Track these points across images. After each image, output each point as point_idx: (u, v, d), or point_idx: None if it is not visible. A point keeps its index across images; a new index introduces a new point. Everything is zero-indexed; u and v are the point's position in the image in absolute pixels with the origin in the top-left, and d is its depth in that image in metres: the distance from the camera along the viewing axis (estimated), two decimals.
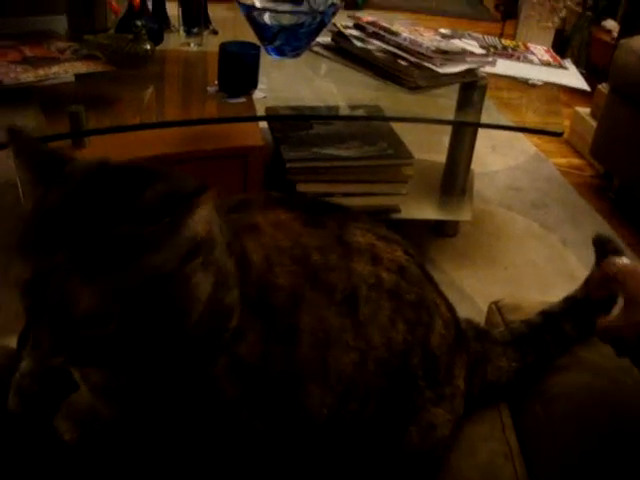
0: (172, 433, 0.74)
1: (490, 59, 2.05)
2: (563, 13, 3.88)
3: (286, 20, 1.93)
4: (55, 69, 1.76)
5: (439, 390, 0.83)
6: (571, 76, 2.22)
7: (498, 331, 1.00)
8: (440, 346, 0.82)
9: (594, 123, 2.84)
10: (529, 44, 2.41)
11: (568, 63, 2.29)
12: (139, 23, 1.80)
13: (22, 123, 1.71)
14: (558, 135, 2.04)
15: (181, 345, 0.64)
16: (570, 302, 0.99)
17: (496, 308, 1.10)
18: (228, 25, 2.30)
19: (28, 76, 1.71)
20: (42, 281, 0.57)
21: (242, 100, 1.80)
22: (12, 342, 0.98)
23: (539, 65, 2.23)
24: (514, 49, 2.31)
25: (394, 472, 0.84)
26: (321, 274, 0.74)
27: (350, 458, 0.80)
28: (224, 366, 0.69)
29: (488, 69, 2.04)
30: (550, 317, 0.99)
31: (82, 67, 1.79)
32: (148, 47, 1.80)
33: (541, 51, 2.34)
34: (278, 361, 0.72)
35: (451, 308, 0.88)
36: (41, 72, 1.74)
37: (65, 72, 1.75)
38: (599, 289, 0.94)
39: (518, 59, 2.24)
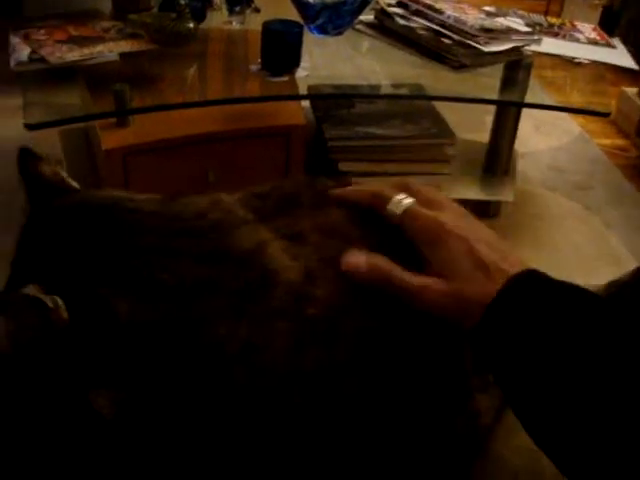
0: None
1: (535, 37, 2.02)
2: None
3: None
4: (100, 48, 1.78)
5: (485, 377, 0.83)
6: (619, 55, 2.17)
7: None
8: None
9: None
10: (576, 22, 2.36)
11: (616, 41, 2.25)
12: (182, 2, 1.80)
13: (67, 101, 1.73)
14: (605, 115, 2.01)
15: None
16: (615, 286, 0.98)
17: None
18: (270, 3, 2.30)
19: (74, 55, 1.73)
20: None
21: (284, 79, 1.79)
22: None
23: (586, 43, 2.20)
24: (560, 27, 2.27)
25: (435, 456, 0.84)
26: None
27: (389, 445, 0.81)
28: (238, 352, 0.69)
29: (533, 47, 2.01)
30: None
31: (126, 46, 1.80)
32: (191, 26, 1.81)
33: (588, 29, 2.30)
34: (309, 363, 0.72)
35: None
36: (86, 51, 1.75)
37: (109, 51, 1.77)
38: None
39: (564, 37, 2.20)
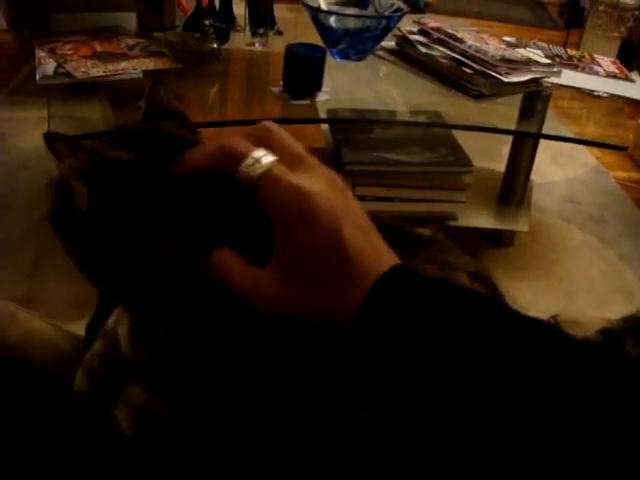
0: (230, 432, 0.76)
1: (555, 69, 2.03)
2: (630, 22, 3.81)
3: (351, 24, 1.94)
4: (124, 65, 1.80)
5: None
6: (637, 88, 2.18)
7: None
8: None
9: None
10: (595, 55, 2.37)
11: (635, 75, 2.26)
12: (207, 22, 1.83)
13: (90, 116, 1.75)
14: (622, 149, 2.01)
15: None
16: (631, 321, 0.98)
17: (554, 322, 1.09)
18: (293, 26, 2.33)
19: (98, 71, 1.75)
20: None
21: (305, 102, 1.81)
22: (74, 328, 1.02)
23: (604, 77, 2.20)
24: (580, 59, 2.28)
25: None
26: None
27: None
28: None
29: (553, 79, 2.02)
30: (611, 335, 0.97)
31: (150, 63, 1.83)
32: (215, 46, 1.83)
33: (607, 62, 2.31)
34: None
35: None
36: (110, 67, 1.78)
37: (133, 68, 1.79)
38: None
39: (583, 70, 2.21)
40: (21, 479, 0.78)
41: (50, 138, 0.63)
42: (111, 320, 0.87)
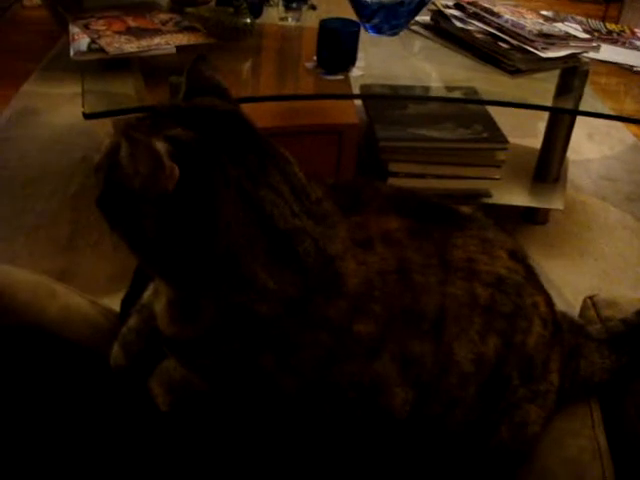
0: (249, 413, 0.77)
1: (594, 44, 1.99)
2: None
3: None
4: (157, 40, 1.79)
5: (534, 387, 0.82)
6: None
7: (594, 327, 0.97)
8: (537, 345, 0.81)
9: None
10: (635, 29, 2.32)
11: None
12: None
13: (124, 91, 1.75)
14: None
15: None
16: None
17: (591, 303, 1.07)
18: (326, 1, 2.30)
19: (131, 46, 1.75)
20: None
21: (339, 77, 1.80)
22: (109, 302, 1.03)
23: None
24: (619, 34, 2.23)
25: (479, 465, 0.84)
26: (417, 299, 0.75)
27: (433, 451, 0.81)
28: (273, 363, 0.72)
29: (591, 55, 1.98)
30: None
31: (183, 39, 1.82)
32: (248, 21, 1.82)
33: None
34: (346, 375, 0.73)
35: (550, 302, 0.87)
36: (144, 43, 1.77)
37: (167, 43, 1.78)
38: None
39: (623, 44, 2.16)
40: (59, 450, 0.79)
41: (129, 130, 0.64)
42: (146, 295, 0.87)
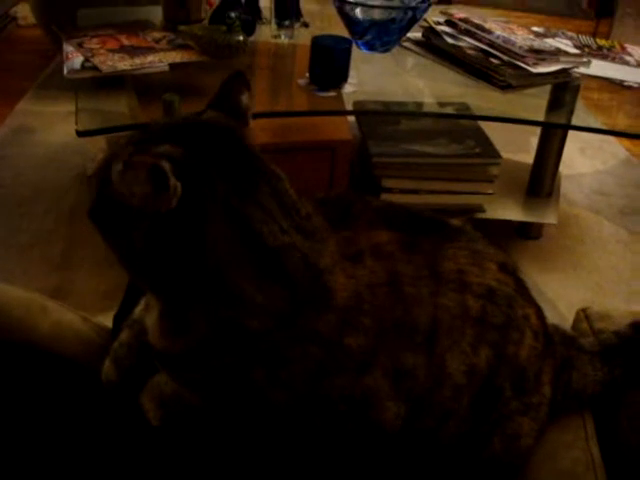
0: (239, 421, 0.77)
1: (584, 59, 2.00)
2: None
3: (378, 15, 1.93)
4: (150, 58, 1.80)
5: (526, 399, 0.83)
6: None
7: (586, 340, 0.97)
8: (529, 357, 0.82)
9: None
10: (626, 44, 2.34)
11: None
12: (233, 15, 1.82)
13: (117, 109, 1.76)
14: None
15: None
16: None
17: (584, 315, 1.08)
18: (319, 18, 2.32)
19: (125, 64, 1.76)
20: None
21: (332, 94, 1.80)
22: (102, 319, 1.03)
23: (635, 66, 2.17)
24: (609, 49, 2.25)
25: (471, 478, 0.84)
26: (409, 311, 0.75)
27: (425, 463, 0.81)
28: (264, 377, 0.72)
29: (582, 70, 1.99)
30: None
31: (176, 57, 1.83)
32: (241, 38, 1.83)
33: (639, 52, 2.27)
34: (337, 389, 0.73)
35: (541, 314, 0.87)
36: (137, 61, 1.78)
37: (160, 61, 1.79)
38: None
39: (613, 60, 2.18)
40: (50, 466, 0.79)
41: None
42: (138, 310, 0.88)
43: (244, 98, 0.80)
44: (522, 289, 0.85)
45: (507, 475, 0.85)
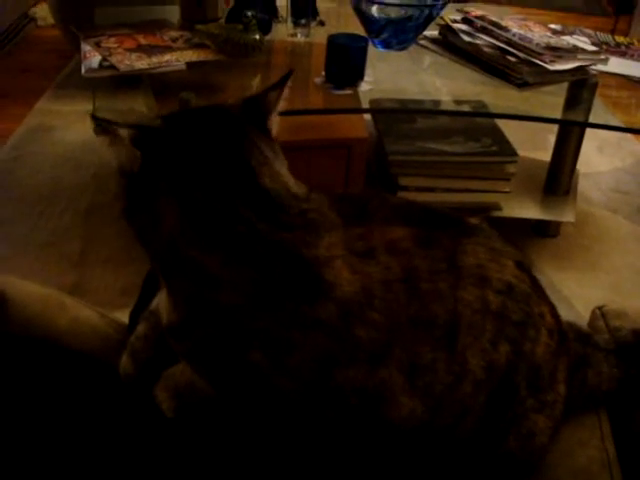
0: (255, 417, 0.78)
1: (602, 57, 1.99)
2: None
3: (394, 13, 1.93)
4: (167, 57, 1.81)
5: (541, 397, 0.82)
6: None
7: (602, 337, 0.97)
8: (544, 355, 0.81)
9: None
10: None
11: None
12: (249, 13, 1.83)
13: (134, 108, 1.77)
14: None
15: None
16: None
17: (600, 313, 1.07)
18: (335, 17, 2.32)
19: (142, 63, 1.77)
20: None
21: (348, 92, 1.81)
22: (120, 316, 1.04)
23: None
24: (628, 46, 2.23)
25: (487, 476, 0.84)
26: (426, 307, 0.75)
27: (440, 461, 0.81)
28: (265, 361, 0.73)
29: (599, 67, 1.98)
30: None
31: (193, 55, 1.84)
32: (257, 37, 1.83)
33: None
34: (349, 381, 0.73)
35: (555, 313, 0.87)
36: (154, 60, 1.79)
37: (177, 60, 1.80)
38: None
39: (632, 57, 2.16)
40: (67, 460, 0.80)
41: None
42: (154, 302, 0.89)
43: (273, 93, 0.85)
44: (537, 287, 0.85)
45: (522, 473, 0.85)
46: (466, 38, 2.00)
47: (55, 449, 0.81)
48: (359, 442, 0.78)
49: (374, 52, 1.94)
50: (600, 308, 1.09)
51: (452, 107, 2.04)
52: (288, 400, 0.74)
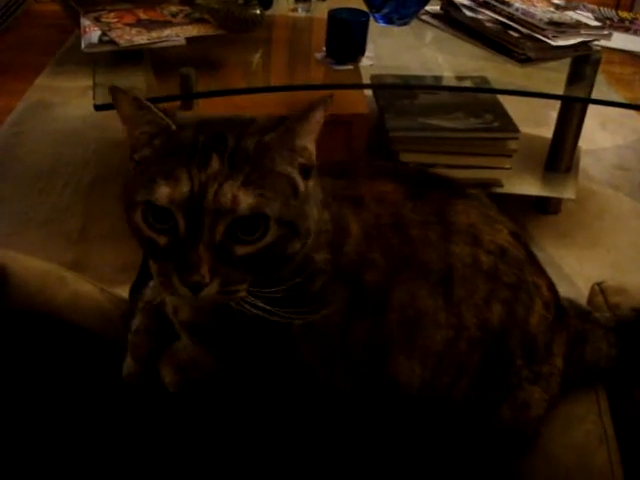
0: (259, 385, 0.77)
1: (605, 32, 1.97)
2: None
3: None
4: (167, 32, 1.80)
5: (536, 369, 0.83)
6: None
7: (602, 315, 0.97)
8: (539, 325, 0.82)
9: None
10: None
11: None
12: None
13: (134, 83, 1.76)
14: None
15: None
16: None
17: (599, 289, 1.07)
18: None
19: (142, 38, 1.76)
20: (200, 192, 0.62)
21: (349, 67, 1.80)
22: (120, 292, 1.04)
23: None
24: (632, 21, 2.21)
25: (482, 446, 0.84)
26: (418, 251, 0.76)
27: (438, 428, 0.81)
28: (300, 329, 0.71)
29: (603, 43, 1.97)
30: None
31: (193, 31, 1.82)
32: (258, 12, 1.82)
33: None
34: (361, 334, 0.74)
35: (552, 287, 0.87)
36: (154, 35, 1.78)
37: (177, 35, 1.79)
38: None
39: (636, 33, 2.15)
40: (68, 436, 0.80)
41: None
42: (148, 292, 0.88)
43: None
44: (533, 260, 0.85)
45: (517, 444, 0.86)
46: (468, 13, 1.98)
47: (57, 423, 0.81)
48: (367, 408, 0.78)
49: (375, 27, 1.92)
50: (599, 284, 1.09)
51: (454, 83, 2.03)
52: (307, 367, 0.74)
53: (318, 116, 0.67)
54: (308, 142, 0.68)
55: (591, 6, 2.22)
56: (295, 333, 0.72)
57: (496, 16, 1.94)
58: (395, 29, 1.98)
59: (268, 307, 0.66)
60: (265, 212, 0.63)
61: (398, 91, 2.18)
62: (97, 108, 1.57)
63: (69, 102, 2.77)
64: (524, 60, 1.84)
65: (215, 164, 0.63)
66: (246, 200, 0.62)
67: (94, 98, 1.58)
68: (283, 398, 0.78)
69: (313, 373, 0.75)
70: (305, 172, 0.68)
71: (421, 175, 0.86)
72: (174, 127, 0.67)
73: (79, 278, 0.99)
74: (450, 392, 0.78)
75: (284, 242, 0.66)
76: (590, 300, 1.08)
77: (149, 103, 0.67)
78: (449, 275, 0.76)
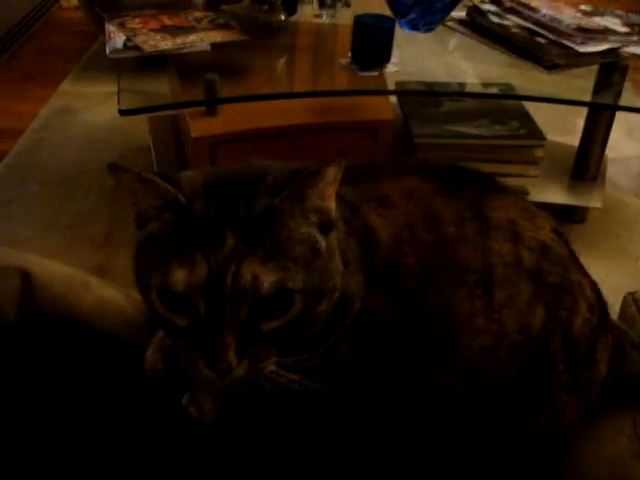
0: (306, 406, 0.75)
1: (634, 38, 1.95)
2: None
3: None
4: (192, 38, 1.80)
5: (577, 374, 0.79)
6: None
7: (636, 334, 0.94)
8: (583, 329, 0.78)
9: None
10: None
11: None
12: None
13: (159, 89, 1.77)
14: None
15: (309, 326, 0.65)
16: None
17: (632, 299, 1.05)
18: None
19: (166, 44, 1.76)
20: (219, 274, 0.59)
21: (374, 73, 1.78)
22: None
23: None
24: None
25: (515, 452, 0.82)
26: (455, 250, 0.72)
27: (473, 434, 0.79)
28: (346, 348, 0.69)
29: (631, 49, 1.94)
30: None
31: (218, 36, 1.82)
32: (282, 18, 1.81)
33: None
34: (402, 342, 0.71)
35: (596, 288, 0.84)
36: (179, 40, 1.78)
37: (201, 41, 1.79)
38: None
39: None
40: (90, 440, 0.79)
41: None
42: None
43: None
44: (576, 260, 0.82)
45: (549, 450, 0.84)
46: (494, 19, 1.96)
47: (80, 428, 0.80)
48: (407, 417, 0.76)
49: (401, 33, 1.91)
50: (632, 294, 1.07)
51: (479, 89, 2.01)
52: (356, 385, 0.72)
53: (330, 175, 0.63)
54: (323, 200, 0.64)
55: (619, 12, 2.19)
56: (341, 354, 0.70)
57: (523, 22, 1.92)
58: (420, 35, 1.97)
59: (296, 377, 0.65)
60: (288, 287, 0.60)
61: (423, 98, 2.16)
62: (122, 113, 1.57)
63: (92, 108, 2.78)
64: (551, 67, 1.82)
65: (230, 241, 0.60)
66: (267, 279, 0.59)
67: (119, 103, 1.58)
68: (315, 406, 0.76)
69: (358, 390, 0.73)
70: (324, 227, 0.65)
71: (453, 170, 0.82)
72: (183, 200, 0.63)
73: (104, 283, 0.98)
74: (486, 400, 0.76)
75: (311, 309, 0.63)
76: (622, 310, 1.06)
77: (155, 176, 0.64)
78: (489, 275, 0.72)
